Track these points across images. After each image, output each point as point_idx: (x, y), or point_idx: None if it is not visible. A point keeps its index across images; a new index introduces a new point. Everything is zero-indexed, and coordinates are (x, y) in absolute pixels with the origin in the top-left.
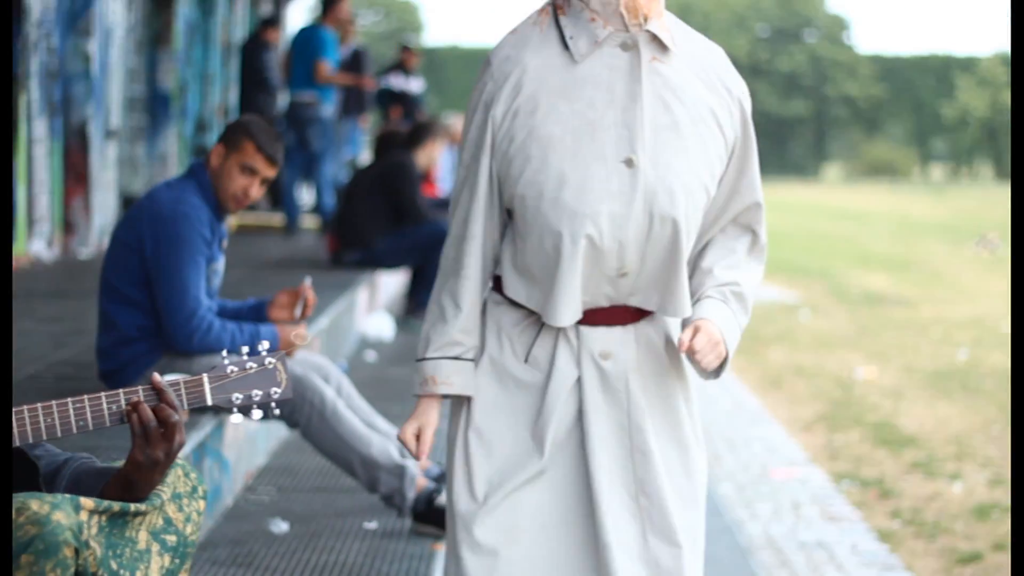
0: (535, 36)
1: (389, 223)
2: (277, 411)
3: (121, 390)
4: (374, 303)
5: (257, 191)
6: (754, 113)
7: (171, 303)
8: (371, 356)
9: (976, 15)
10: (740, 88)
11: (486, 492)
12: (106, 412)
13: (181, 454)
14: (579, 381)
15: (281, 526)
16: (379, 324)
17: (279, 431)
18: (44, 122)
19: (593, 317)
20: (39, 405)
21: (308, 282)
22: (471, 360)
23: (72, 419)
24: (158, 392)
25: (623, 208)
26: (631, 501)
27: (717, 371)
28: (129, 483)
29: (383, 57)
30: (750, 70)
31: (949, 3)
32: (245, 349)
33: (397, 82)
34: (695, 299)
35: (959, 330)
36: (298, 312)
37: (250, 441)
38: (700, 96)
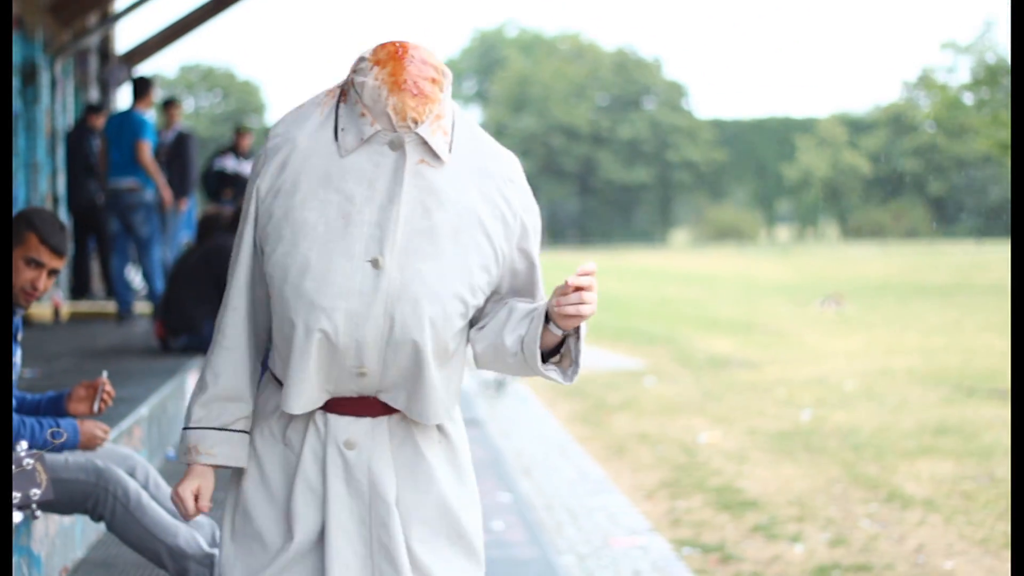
0: (314, 117)
1: (215, 307)
2: (39, 513)
3: None
4: None
5: (45, 283)
6: (598, 181)
7: None
8: None
9: (813, 77)
10: (524, 203)
11: None
12: None
13: None
14: (324, 470)
15: None
16: None
17: (97, 524)
18: None
19: (341, 406)
20: None
21: (105, 375)
22: (239, 431)
23: None
24: None
25: (362, 308)
26: None
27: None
28: None
29: (223, 138)
30: (592, 139)
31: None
32: (24, 444)
33: (230, 164)
34: (529, 317)
35: (802, 391)
36: (96, 406)
37: (65, 535)
38: (469, 204)
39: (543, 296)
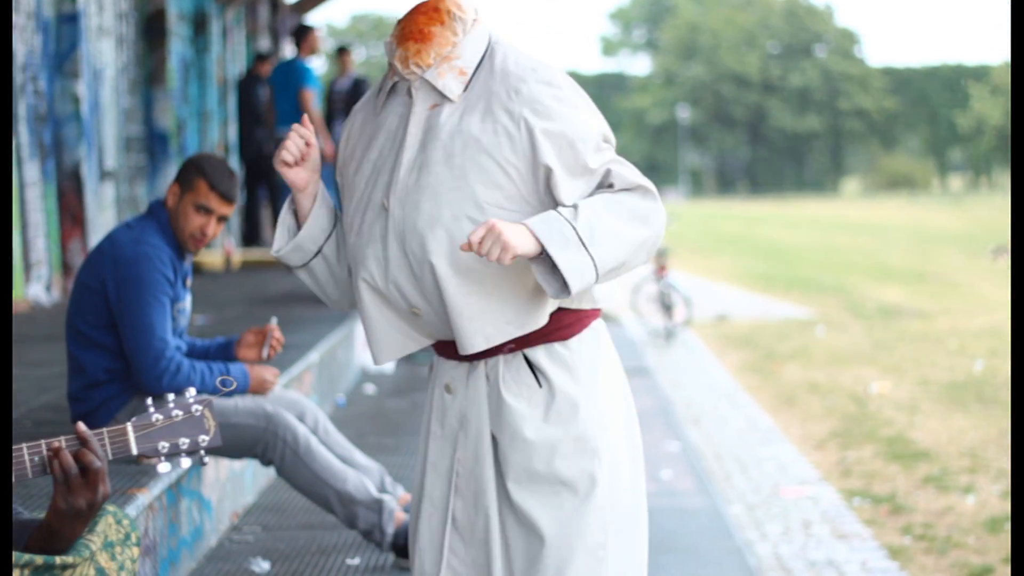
0: (375, 87)
1: None
2: (207, 459)
3: (43, 440)
4: None
5: (214, 229)
6: (768, 130)
7: (138, 345)
8: (370, 389)
9: (985, 23)
10: (534, 109)
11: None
12: (28, 463)
13: (118, 502)
14: (431, 409)
15: (263, 565)
16: None
17: (267, 469)
18: (36, 165)
19: (445, 349)
20: None
21: (274, 322)
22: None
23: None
24: (82, 440)
25: (384, 251)
26: (441, 542)
27: (564, 285)
28: (51, 532)
29: None
30: (762, 87)
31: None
32: (172, 395)
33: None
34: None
35: (975, 341)
36: (265, 352)
37: (235, 480)
38: (463, 128)
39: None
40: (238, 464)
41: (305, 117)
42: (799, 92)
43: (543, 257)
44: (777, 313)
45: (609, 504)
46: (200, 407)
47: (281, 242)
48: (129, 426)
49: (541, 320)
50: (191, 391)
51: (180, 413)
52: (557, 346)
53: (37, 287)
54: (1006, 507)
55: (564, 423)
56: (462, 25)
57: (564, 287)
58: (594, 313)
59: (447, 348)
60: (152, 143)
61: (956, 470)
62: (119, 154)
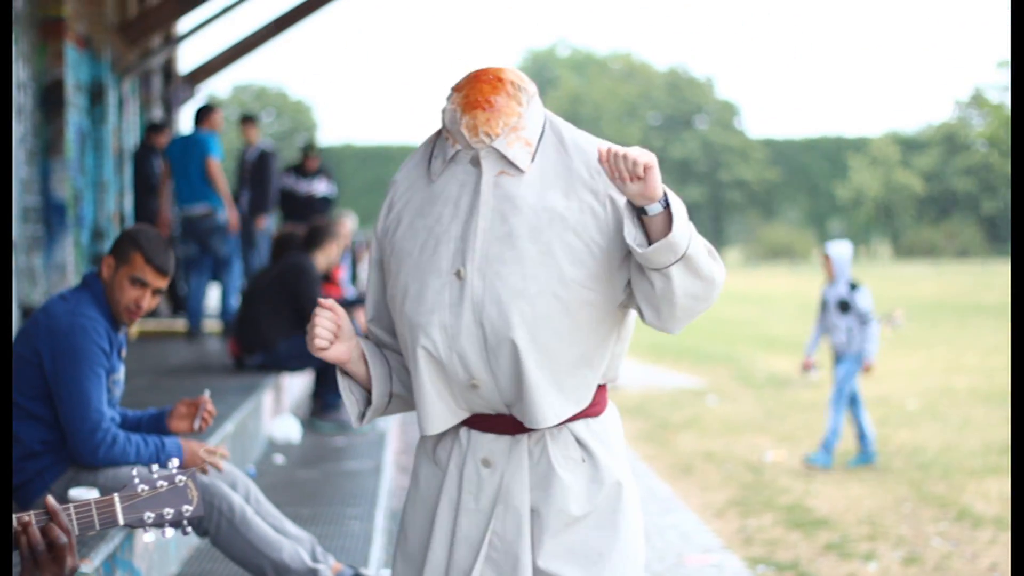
0: (419, 155)
1: (290, 325)
2: (189, 529)
3: (15, 515)
4: (280, 406)
5: (149, 302)
6: None
7: (73, 417)
8: (279, 459)
9: (865, 96)
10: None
11: None
12: None
13: (87, 568)
14: (460, 484)
15: None
16: (286, 427)
17: (191, 539)
18: None
19: (481, 423)
20: None
21: (207, 394)
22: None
23: None
24: (51, 514)
25: (453, 319)
26: None
27: (656, 196)
28: None
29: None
30: None
31: (837, 86)
32: (155, 466)
33: (289, 182)
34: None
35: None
36: (197, 424)
37: (161, 550)
38: (549, 204)
39: None
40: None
41: (328, 302)
42: (680, 163)
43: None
44: (668, 382)
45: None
46: (184, 478)
47: (357, 412)
48: (116, 497)
49: (591, 398)
50: (174, 462)
51: (165, 484)
52: (592, 421)
53: None
54: (907, 573)
55: (608, 499)
56: (526, 96)
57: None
58: (605, 389)
59: (486, 422)
60: (49, 213)
61: (856, 537)
62: (17, 224)
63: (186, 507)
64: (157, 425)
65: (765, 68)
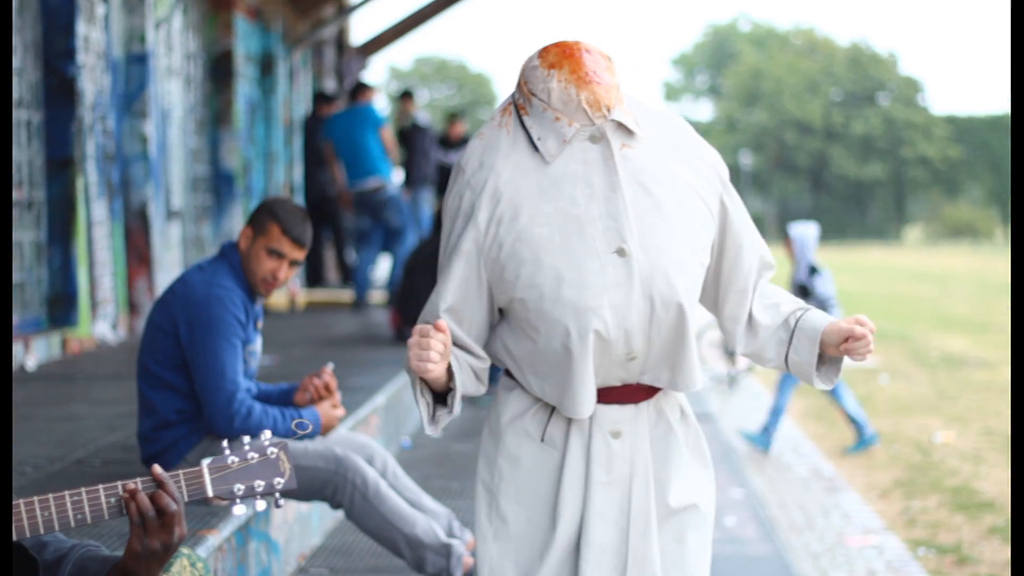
0: (503, 140)
1: None
2: (281, 502)
3: (120, 482)
4: None
5: (286, 274)
6: (831, 177)
7: (209, 387)
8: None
9: None
10: (712, 154)
11: None
12: (104, 504)
13: (188, 543)
14: (587, 457)
15: None
16: None
17: (334, 511)
18: (103, 204)
19: (606, 395)
20: (36, 499)
21: (330, 367)
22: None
23: (70, 513)
24: (158, 483)
25: (623, 298)
26: None
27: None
28: (127, 574)
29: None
30: (825, 134)
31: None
32: (247, 438)
33: (439, 155)
34: (788, 323)
35: None
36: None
37: (302, 522)
38: (676, 173)
39: (757, 240)
40: (305, 506)
41: (442, 323)
42: (862, 140)
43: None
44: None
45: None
46: (276, 450)
47: (429, 416)
48: (205, 468)
49: None
50: (266, 434)
51: (256, 456)
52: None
53: (103, 325)
54: None
55: (702, 456)
56: (615, 67)
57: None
58: None
59: (611, 394)
60: (218, 183)
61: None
62: (186, 194)
63: (278, 479)
64: (286, 399)
65: (949, 43)
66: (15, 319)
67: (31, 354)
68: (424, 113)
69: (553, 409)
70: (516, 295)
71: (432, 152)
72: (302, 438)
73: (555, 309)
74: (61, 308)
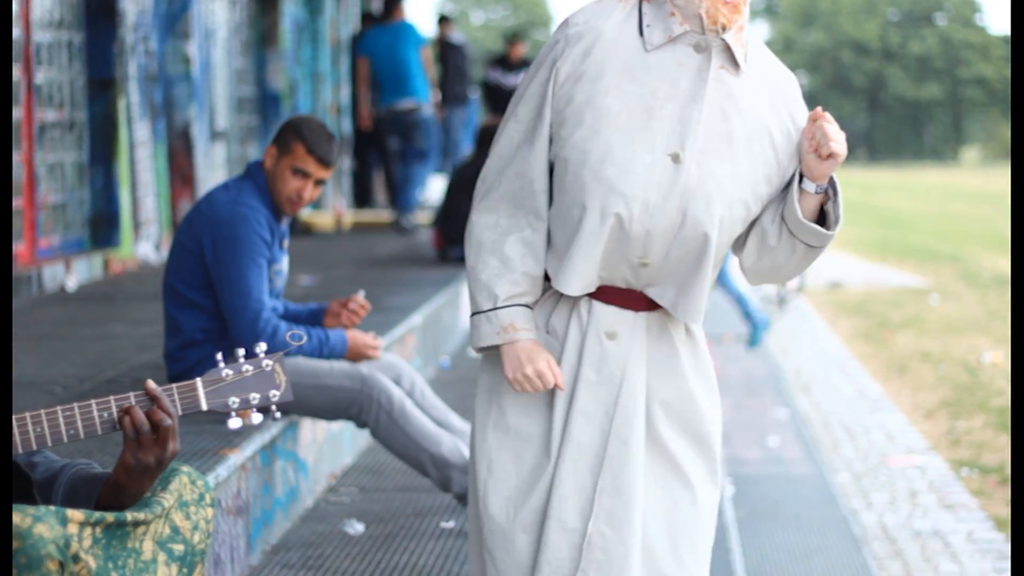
0: (617, 13)
1: None
2: (278, 415)
3: (112, 396)
4: None
5: (311, 193)
6: (887, 98)
7: (234, 306)
8: (475, 352)
9: None
10: (798, 107)
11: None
12: (97, 419)
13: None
14: (580, 355)
15: (356, 527)
16: None
17: (366, 431)
18: (146, 125)
19: (608, 295)
20: (27, 414)
21: (361, 295)
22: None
23: (62, 428)
24: (152, 398)
25: (659, 200)
26: (591, 488)
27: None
28: (119, 488)
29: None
30: (881, 54)
31: None
32: (241, 351)
33: (494, 76)
34: (783, 215)
35: None
36: (349, 320)
37: (333, 441)
38: (761, 115)
39: None
40: (336, 426)
41: (555, 381)
42: (919, 60)
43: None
44: (891, 281)
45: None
46: (270, 362)
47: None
48: (199, 381)
49: None
50: (261, 346)
51: (250, 368)
52: None
53: (146, 246)
54: None
55: (709, 379)
56: (747, 5)
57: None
58: None
59: (612, 294)
60: (265, 104)
61: None
62: (231, 115)
63: (273, 392)
64: (314, 320)
65: None
66: (57, 240)
67: (72, 274)
68: (458, 32)
69: (559, 300)
70: (562, 153)
71: (467, 70)
72: (296, 351)
73: (591, 180)
74: (103, 229)
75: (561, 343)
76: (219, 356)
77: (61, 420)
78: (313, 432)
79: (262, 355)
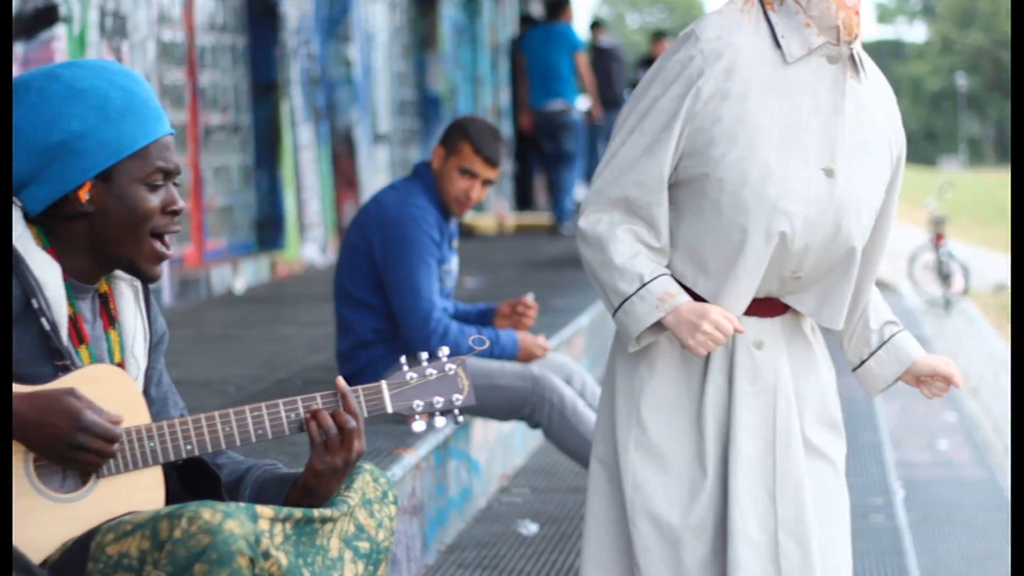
0: (745, 24)
1: None
2: (461, 419)
3: (299, 397)
4: None
5: (479, 193)
6: None
7: (405, 306)
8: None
9: None
10: (901, 129)
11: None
12: (284, 420)
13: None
14: (730, 368)
15: (530, 528)
16: None
17: (538, 431)
18: (309, 128)
19: (757, 306)
20: (216, 413)
21: (531, 297)
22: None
23: (251, 427)
24: (341, 395)
25: (817, 214)
26: (767, 498)
27: None
28: (308, 491)
29: None
30: None
31: None
32: (424, 354)
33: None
34: (882, 333)
35: None
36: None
37: (505, 442)
38: (883, 126)
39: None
40: (507, 426)
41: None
42: None
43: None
44: None
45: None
46: (454, 366)
47: (635, 343)
48: (384, 384)
49: None
50: (444, 350)
51: (434, 372)
52: None
53: (312, 248)
54: None
55: (832, 366)
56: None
57: None
58: None
59: (754, 305)
60: (425, 107)
61: None
62: (392, 118)
63: (456, 396)
64: (483, 320)
65: None
66: (224, 242)
67: (240, 277)
68: (609, 36)
69: None
70: (716, 173)
71: (617, 74)
72: (496, 357)
73: (753, 200)
74: (269, 231)
75: (705, 357)
76: (403, 360)
77: (249, 420)
78: (485, 432)
79: (445, 359)
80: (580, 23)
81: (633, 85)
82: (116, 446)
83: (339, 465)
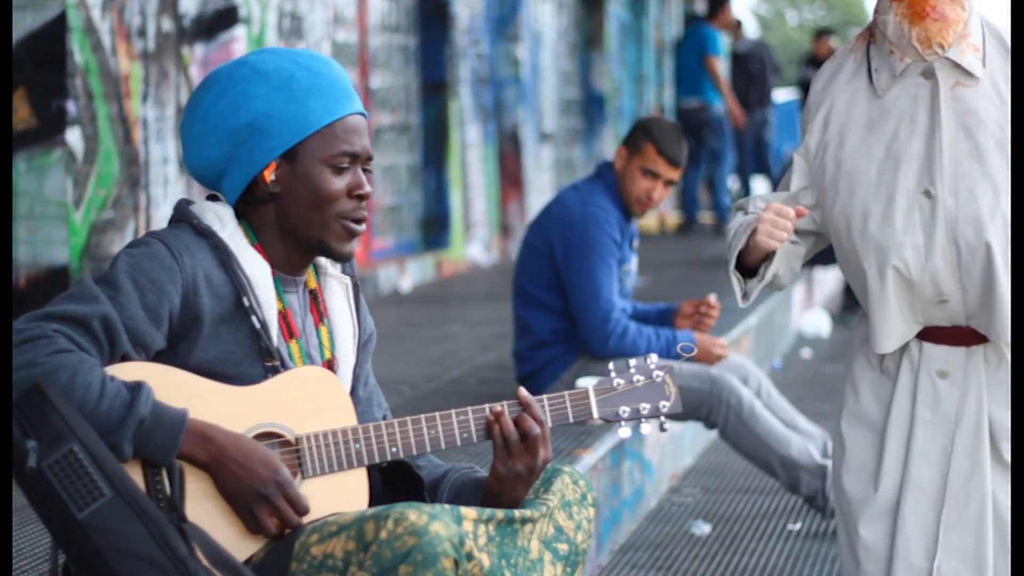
0: (849, 65)
1: None
2: (667, 426)
3: (487, 404)
4: (811, 300)
5: (661, 193)
6: None
7: (584, 307)
8: (807, 353)
9: None
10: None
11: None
12: (473, 427)
13: (566, 462)
14: (914, 396)
15: (703, 528)
16: (815, 321)
17: (706, 432)
18: (477, 127)
19: (935, 335)
20: (422, 416)
21: (714, 297)
22: None
23: (456, 431)
24: (523, 405)
25: (927, 239)
26: (933, 526)
27: None
28: (493, 496)
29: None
30: None
31: None
32: (632, 360)
33: (809, 74)
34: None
35: None
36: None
37: (675, 442)
38: (993, 120)
39: None
40: (677, 426)
41: (792, 210)
42: None
43: None
44: None
45: None
46: (661, 373)
47: (742, 292)
48: (591, 390)
49: None
50: (652, 357)
51: (641, 378)
52: None
53: (476, 247)
54: None
55: None
56: (968, 0)
57: None
58: None
59: (940, 334)
60: (589, 106)
61: None
62: (557, 117)
63: (663, 403)
64: (663, 320)
65: None
66: (391, 241)
67: (406, 276)
68: (745, 40)
69: None
70: (830, 221)
71: (759, 74)
72: (687, 361)
73: (860, 242)
74: (435, 230)
75: (893, 382)
76: (611, 366)
77: (455, 424)
78: (657, 432)
79: (653, 366)
80: (746, 22)
81: (801, 83)
82: (301, 520)
83: (521, 471)
